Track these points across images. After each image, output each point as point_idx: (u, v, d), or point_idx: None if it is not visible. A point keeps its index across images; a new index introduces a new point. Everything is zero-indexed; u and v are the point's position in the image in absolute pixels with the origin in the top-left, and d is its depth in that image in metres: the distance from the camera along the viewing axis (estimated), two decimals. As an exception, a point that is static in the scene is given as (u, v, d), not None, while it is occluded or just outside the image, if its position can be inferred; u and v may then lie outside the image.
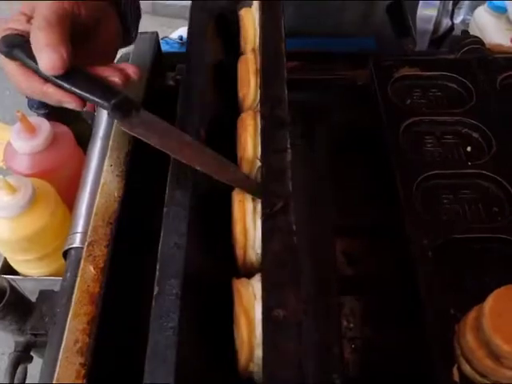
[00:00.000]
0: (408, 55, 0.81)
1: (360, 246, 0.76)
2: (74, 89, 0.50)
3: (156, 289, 0.47)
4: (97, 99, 0.51)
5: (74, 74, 0.50)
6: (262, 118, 0.55)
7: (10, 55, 0.50)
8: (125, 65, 0.55)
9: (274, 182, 0.50)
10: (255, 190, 0.53)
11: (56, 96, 0.51)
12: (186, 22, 0.70)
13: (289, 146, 0.52)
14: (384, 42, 0.96)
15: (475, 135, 0.72)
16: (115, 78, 0.52)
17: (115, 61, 0.67)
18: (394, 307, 0.70)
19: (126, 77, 0.53)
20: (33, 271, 0.68)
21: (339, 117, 0.82)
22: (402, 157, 0.67)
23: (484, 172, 0.67)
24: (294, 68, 0.82)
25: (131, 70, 0.54)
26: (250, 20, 0.70)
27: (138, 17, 0.68)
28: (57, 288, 0.65)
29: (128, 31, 0.65)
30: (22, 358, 0.59)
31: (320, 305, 0.69)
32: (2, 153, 2.01)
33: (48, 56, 0.48)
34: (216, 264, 0.57)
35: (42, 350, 0.63)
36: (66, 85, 0.50)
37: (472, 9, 2.09)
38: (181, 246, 0.49)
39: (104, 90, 0.51)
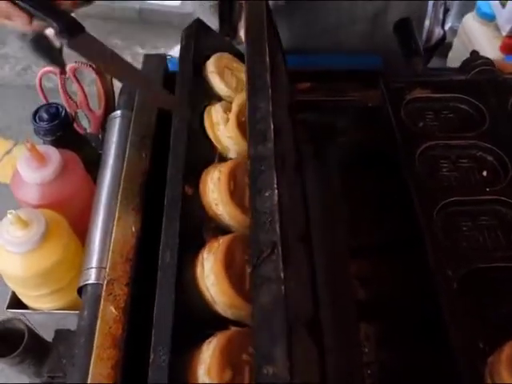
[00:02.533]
0: (419, 76, 0.80)
1: (371, 267, 0.76)
2: (26, 6, 0.53)
3: (151, 356, 0.45)
4: (48, 18, 0.53)
5: None
6: (249, 158, 0.51)
7: None
8: None
9: (261, 227, 0.46)
10: (170, 103, 0.62)
11: (6, 9, 0.53)
12: (173, 31, 0.70)
13: (276, 185, 0.48)
14: (389, 58, 0.95)
15: (490, 158, 0.71)
16: None
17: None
18: (409, 330, 0.69)
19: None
20: (44, 305, 0.66)
21: (350, 137, 0.81)
22: (420, 184, 0.67)
23: (502, 198, 0.66)
24: (306, 89, 0.81)
25: None
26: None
27: None
28: (69, 322, 0.64)
29: None
30: (38, 400, 0.57)
31: (339, 332, 0.68)
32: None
33: None
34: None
35: (57, 390, 0.61)
36: (20, 2, 0.53)
37: (459, 16, 2.10)
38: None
39: (55, 11, 0.54)
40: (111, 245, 0.59)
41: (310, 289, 0.62)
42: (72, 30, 0.54)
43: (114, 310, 0.54)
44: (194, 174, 0.58)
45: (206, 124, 0.65)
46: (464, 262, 0.61)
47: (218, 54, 0.73)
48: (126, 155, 0.67)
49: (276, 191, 0.47)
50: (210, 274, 0.51)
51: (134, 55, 2.25)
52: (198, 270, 0.52)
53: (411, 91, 0.77)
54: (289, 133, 0.67)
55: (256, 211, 0.46)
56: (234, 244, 0.53)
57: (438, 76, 0.84)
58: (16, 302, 0.67)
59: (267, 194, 0.47)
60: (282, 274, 0.42)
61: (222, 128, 0.64)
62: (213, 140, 0.64)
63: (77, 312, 0.62)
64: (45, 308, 0.66)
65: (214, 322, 0.51)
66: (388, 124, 0.74)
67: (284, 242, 0.44)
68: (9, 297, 0.67)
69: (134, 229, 0.60)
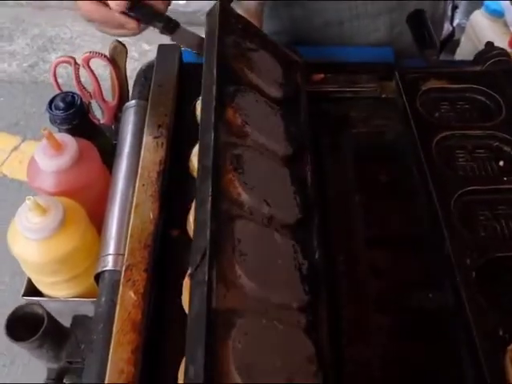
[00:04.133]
0: (433, 67, 0.80)
1: (387, 257, 0.75)
2: (134, 15, 0.65)
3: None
4: (152, 21, 0.68)
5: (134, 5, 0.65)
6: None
7: None
8: None
9: (196, 237, 0.48)
10: None
11: (121, 20, 0.65)
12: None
13: (210, 194, 0.50)
14: (400, 52, 0.95)
15: (507, 149, 0.71)
16: (160, 6, 0.68)
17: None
18: (422, 322, 0.69)
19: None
20: (60, 293, 0.66)
21: (365, 128, 0.81)
22: (437, 174, 0.66)
23: (520, 188, 0.66)
24: (320, 81, 0.80)
25: None
26: None
27: None
28: (84, 310, 0.64)
29: None
30: (55, 386, 0.57)
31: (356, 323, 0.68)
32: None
33: None
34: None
35: (73, 377, 0.61)
36: (129, 13, 0.65)
37: (467, 13, 2.10)
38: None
39: (156, 15, 0.68)
40: (129, 231, 0.59)
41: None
42: (171, 28, 0.70)
43: (133, 295, 0.54)
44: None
45: None
46: (482, 251, 0.60)
47: None
48: (143, 144, 0.67)
49: (209, 198, 0.50)
50: None
51: (141, 52, 2.25)
52: None
53: (426, 82, 0.77)
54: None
55: (195, 219, 0.49)
56: None
57: (453, 67, 0.84)
58: (32, 290, 0.67)
59: (203, 205, 0.50)
60: (206, 277, 0.44)
61: None
62: None
63: (92, 300, 0.62)
64: (60, 295, 0.66)
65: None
66: (403, 114, 0.74)
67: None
68: (25, 284, 0.67)
69: (152, 215, 0.60)
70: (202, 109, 0.57)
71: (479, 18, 1.96)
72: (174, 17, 0.72)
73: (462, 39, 2.03)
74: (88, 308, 0.62)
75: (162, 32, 0.70)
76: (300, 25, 1.01)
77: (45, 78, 2.25)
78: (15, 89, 2.23)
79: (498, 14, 1.89)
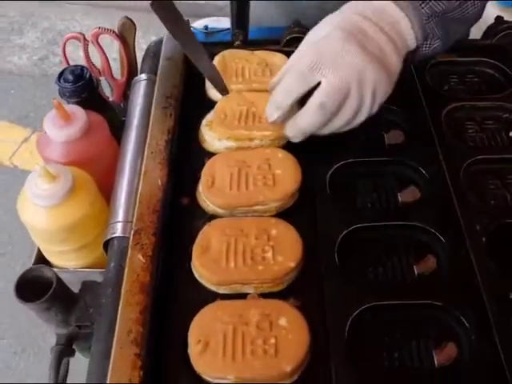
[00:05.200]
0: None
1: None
2: None
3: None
4: None
5: None
6: None
7: None
8: None
9: None
10: (221, 86, 0.67)
11: None
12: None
13: None
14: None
15: (516, 120, 0.71)
16: None
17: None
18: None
19: None
20: (68, 263, 0.66)
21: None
22: (446, 143, 0.66)
23: (529, 157, 0.66)
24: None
25: None
26: None
27: None
28: (96, 279, 0.64)
29: None
30: (65, 351, 0.57)
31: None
32: (10, 151, 1.98)
33: None
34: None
35: (81, 343, 0.62)
36: None
37: (478, 3, 2.08)
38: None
39: None
40: (138, 197, 0.59)
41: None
42: None
43: (141, 258, 0.54)
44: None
45: None
46: (492, 217, 0.60)
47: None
48: (152, 114, 0.67)
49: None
50: None
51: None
52: None
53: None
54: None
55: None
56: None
57: (462, 40, 0.83)
58: (41, 261, 0.68)
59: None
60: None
61: None
62: None
63: (101, 270, 0.62)
64: (69, 266, 0.66)
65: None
66: (413, 87, 0.74)
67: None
68: (34, 254, 0.67)
69: (160, 182, 0.60)
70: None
71: (489, 8, 1.94)
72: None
73: (472, 30, 2.02)
74: (97, 278, 0.63)
75: None
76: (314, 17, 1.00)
77: (54, 71, 2.27)
78: (25, 82, 2.24)
79: (509, 5, 1.88)
